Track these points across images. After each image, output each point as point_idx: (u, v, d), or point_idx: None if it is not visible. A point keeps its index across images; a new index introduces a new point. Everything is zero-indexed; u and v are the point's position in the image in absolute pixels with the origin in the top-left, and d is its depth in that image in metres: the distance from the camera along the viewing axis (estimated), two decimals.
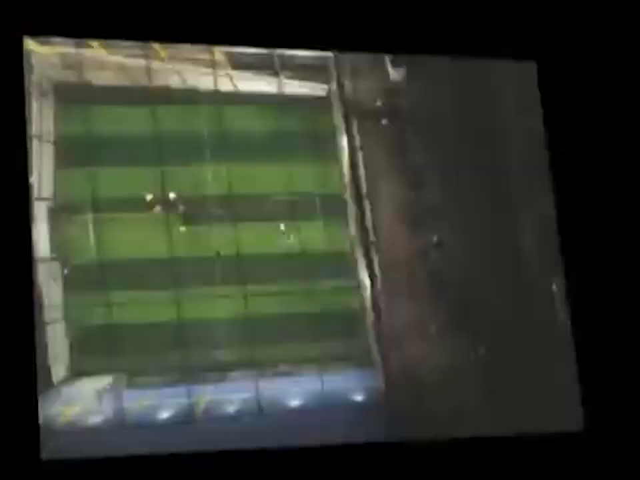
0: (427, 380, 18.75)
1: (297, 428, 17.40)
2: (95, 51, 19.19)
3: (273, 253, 23.48)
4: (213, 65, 20.74)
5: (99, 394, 20.12)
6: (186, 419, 18.27)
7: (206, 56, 20.61)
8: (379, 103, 20.13)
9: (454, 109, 19.45)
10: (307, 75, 22.02)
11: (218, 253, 23.69)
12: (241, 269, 22.94)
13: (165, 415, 18.64)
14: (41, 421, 17.80)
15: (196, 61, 21.20)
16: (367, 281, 21.44)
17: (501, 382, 17.59)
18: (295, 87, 22.44)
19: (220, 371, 22.20)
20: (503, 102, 19.40)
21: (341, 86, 21.50)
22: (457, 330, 18.65)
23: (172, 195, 23.18)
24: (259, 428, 17.61)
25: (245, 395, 19.06)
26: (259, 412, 18.33)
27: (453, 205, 19.31)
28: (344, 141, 22.28)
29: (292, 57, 20.82)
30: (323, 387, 19.39)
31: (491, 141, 19.60)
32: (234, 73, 21.46)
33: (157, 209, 23.05)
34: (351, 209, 22.52)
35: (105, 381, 20.92)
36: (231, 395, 19.30)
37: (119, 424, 17.78)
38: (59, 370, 21.64)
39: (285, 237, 24.31)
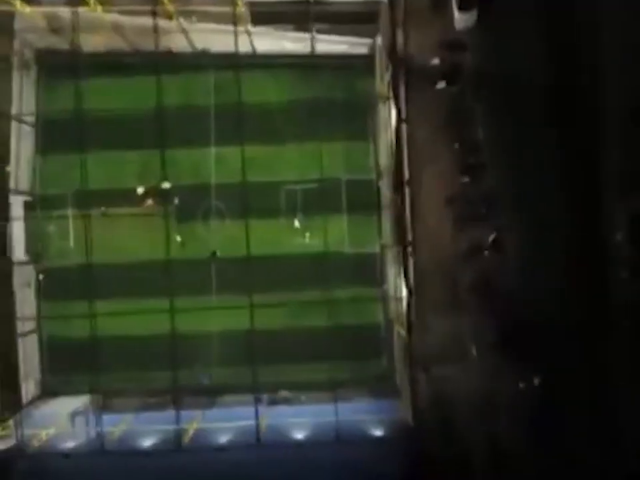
0: (462, 414, 17.50)
1: (302, 464, 16.81)
2: (90, 9, 18.57)
3: (283, 254, 22.49)
4: (234, 18, 18.79)
5: (75, 416, 20.40)
6: (171, 447, 18.04)
7: (224, 8, 19.18)
8: (436, 61, 18.59)
9: (536, 65, 17.57)
10: (346, 29, 20.87)
11: (214, 254, 23.30)
12: (243, 274, 22.02)
13: (147, 442, 18.29)
14: (10, 444, 18.44)
15: (206, 15, 20.11)
16: (396, 290, 20.71)
17: (555, 423, 16.56)
18: (329, 44, 21.20)
19: (213, 394, 21.98)
20: (612, 51, 16.81)
21: (390, 39, 19.34)
22: (507, 352, 17.44)
23: (166, 185, 23.05)
24: (256, 461, 17.07)
25: (241, 423, 18.60)
26: (257, 443, 17.82)
27: (519, 193, 17.61)
28: (385, 112, 20.97)
29: (330, 3, 19.19)
30: (335, 417, 18.48)
31: (582, 107, 17.46)
32: (254, 29, 20.26)
33: (149, 202, 23.04)
34: (386, 199, 21.95)
35: (80, 401, 20.92)
36: (224, 423, 18.88)
37: (98, 449, 17.94)
38: (30, 388, 22.08)
39: (300, 236, 23.84)
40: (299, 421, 18.92)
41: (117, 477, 17.85)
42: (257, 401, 21.42)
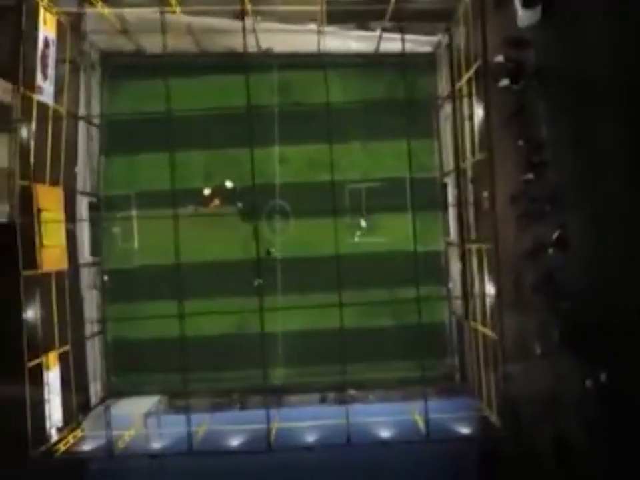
0: (531, 413, 17.97)
1: (392, 464, 17.51)
2: (170, 10, 19.40)
3: (347, 254, 22.57)
4: (320, 17, 19.31)
5: (148, 416, 20.63)
6: (260, 446, 18.43)
7: (308, 7, 19.65)
8: (499, 58, 18.93)
9: (603, 63, 17.75)
10: (411, 27, 21.20)
11: (268, 252, 23.34)
12: (307, 274, 22.81)
13: (227, 442, 18.83)
14: (93, 445, 19.01)
15: (271, 15, 20.72)
16: (469, 288, 21.53)
17: (621, 420, 16.59)
18: (393, 42, 21.55)
19: (290, 393, 22.27)
20: None
21: (452, 37, 20.51)
22: (572, 350, 17.94)
23: (228, 184, 23.76)
24: (346, 461, 17.71)
25: (326, 422, 19.17)
26: (347, 442, 18.06)
27: (583, 190, 17.82)
28: (448, 109, 22.38)
29: (410, 1, 19.84)
30: (421, 417, 19.06)
31: None
32: (325, 29, 20.80)
33: (216, 202, 23.75)
34: (452, 197, 22.90)
35: (149, 402, 21.31)
36: (306, 422, 19.44)
37: (186, 450, 18.44)
38: (97, 390, 22.32)
39: (363, 235, 23.98)
40: (380, 420, 19.36)
41: (205, 477, 18.51)
42: (323, 401, 22.43)
